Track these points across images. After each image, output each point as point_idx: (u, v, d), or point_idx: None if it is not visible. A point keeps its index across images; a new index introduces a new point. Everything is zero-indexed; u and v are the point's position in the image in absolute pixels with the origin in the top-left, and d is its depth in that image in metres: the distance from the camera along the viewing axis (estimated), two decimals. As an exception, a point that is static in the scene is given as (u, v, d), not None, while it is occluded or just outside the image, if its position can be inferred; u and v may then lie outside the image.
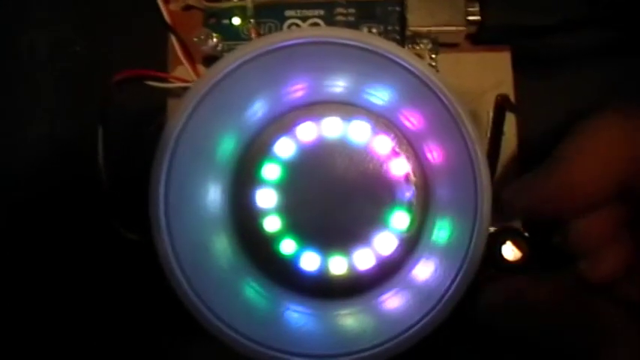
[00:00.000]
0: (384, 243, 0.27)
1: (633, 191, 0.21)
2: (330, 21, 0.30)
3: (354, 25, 0.30)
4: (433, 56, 0.29)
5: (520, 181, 0.23)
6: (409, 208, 0.27)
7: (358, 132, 0.27)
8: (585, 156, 0.21)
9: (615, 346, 0.20)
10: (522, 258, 0.23)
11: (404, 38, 0.29)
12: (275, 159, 0.27)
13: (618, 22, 0.30)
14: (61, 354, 0.31)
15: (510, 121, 0.29)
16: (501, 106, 0.25)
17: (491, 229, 0.24)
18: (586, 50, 0.31)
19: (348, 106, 0.27)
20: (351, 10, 0.30)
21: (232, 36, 0.30)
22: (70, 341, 0.31)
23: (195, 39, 0.28)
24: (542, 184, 0.22)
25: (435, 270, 0.24)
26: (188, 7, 0.31)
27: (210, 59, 0.30)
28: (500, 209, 0.22)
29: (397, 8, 0.30)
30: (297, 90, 0.26)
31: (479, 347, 0.29)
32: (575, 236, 0.22)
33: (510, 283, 0.23)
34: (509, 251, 0.23)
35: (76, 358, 0.31)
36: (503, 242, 0.23)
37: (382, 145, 0.27)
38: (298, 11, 0.30)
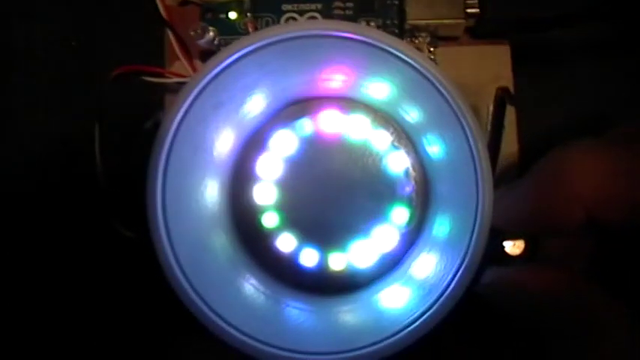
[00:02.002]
0: (384, 238, 0.26)
1: (599, 222, 0.21)
2: (327, 15, 0.30)
3: (352, 19, 0.30)
4: (432, 49, 0.29)
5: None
6: (409, 202, 0.27)
7: (357, 126, 0.27)
8: (551, 194, 0.22)
9: (605, 341, 0.21)
10: (524, 252, 0.23)
11: (403, 31, 0.29)
12: (273, 154, 0.27)
13: (617, 17, 0.30)
14: (59, 352, 0.31)
15: (510, 115, 0.29)
16: (501, 99, 0.25)
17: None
18: (585, 44, 0.31)
19: (346, 101, 0.27)
20: (349, 4, 0.30)
21: (229, 30, 0.30)
22: (68, 339, 0.31)
23: (192, 33, 0.28)
24: (513, 209, 0.23)
25: (436, 265, 0.24)
26: (185, 2, 0.31)
27: (207, 54, 0.30)
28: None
29: (396, 1, 0.30)
30: (295, 84, 0.26)
31: (479, 344, 0.29)
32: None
33: (511, 271, 0.23)
34: (511, 245, 0.23)
35: (73, 356, 0.31)
36: (504, 236, 0.23)
37: (381, 139, 0.27)
38: (295, 5, 0.30)
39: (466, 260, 0.22)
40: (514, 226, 0.23)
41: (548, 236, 0.23)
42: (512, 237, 0.23)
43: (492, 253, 0.22)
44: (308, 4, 0.30)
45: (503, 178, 0.28)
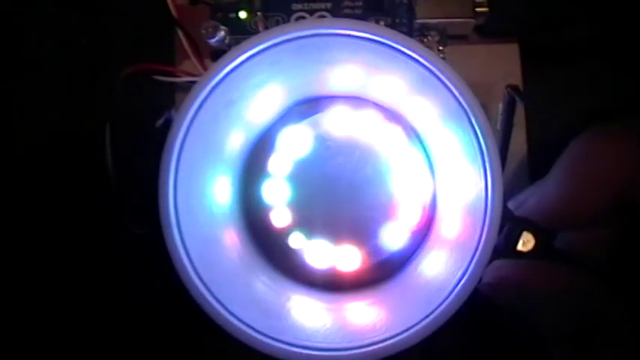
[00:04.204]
0: (394, 236, 0.27)
1: (628, 210, 0.21)
2: (337, 13, 0.30)
3: (361, 18, 0.30)
4: (441, 48, 0.29)
5: (521, 196, 0.24)
6: (418, 200, 0.27)
7: (367, 124, 0.27)
8: (581, 181, 0.22)
9: (609, 341, 0.21)
10: (535, 248, 0.23)
11: (412, 30, 0.29)
12: (284, 152, 0.27)
13: (624, 16, 0.30)
14: (66, 351, 0.31)
15: (519, 113, 0.29)
16: (511, 96, 0.25)
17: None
18: (594, 42, 0.31)
19: (356, 99, 0.27)
20: (359, 3, 0.30)
21: (239, 30, 0.30)
22: (77, 338, 0.31)
23: (203, 31, 0.28)
24: (545, 200, 0.23)
25: (445, 263, 0.24)
26: (195, 1, 0.31)
27: (217, 53, 0.30)
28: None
29: (405, 0, 0.30)
30: (306, 83, 0.26)
31: (482, 341, 0.29)
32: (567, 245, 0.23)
33: (513, 269, 0.23)
34: (522, 241, 0.23)
35: (82, 354, 0.31)
36: (517, 233, 0.23)
37: (391, 137, 0.27)
38: (305, 4, 0.30)
39: (476, 258, 0.22)
40: (546, 217, 0.23)
41: (577, 227, 0.23)
42: (524, 227, 0.23)
43: (503, 250, 0.22)
44: (318, 3, 0.30)
45: (513, 174, 0.28)
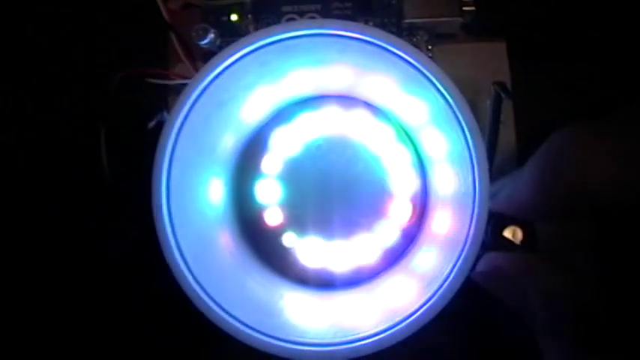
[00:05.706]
0: (386, 233, 0.27)
1: (601, 204, 0.22)
2: (327, 15, 0.30)
3: (351, 18, 0.30)
4: (430, 47, 0.29)
5: (493, 187, 0.24)
6: (409, 198, 0.27)
7: (357, 123, 0.27)
8: (557, 174, 0.22)
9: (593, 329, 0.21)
10: (524, 239, 0.23)
11: (400, 30, 0.30)
12: (275, 152, 0.27)
13: (611, 14, 0.31)
14: (62, 351, 0.31)
15: (507, 110, 0.29)
16: (498, 94, 0.25)
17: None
18: (581, 40, 0.32)
19: (347, 99, 0.27)
20: (348, 4, 0.30)
21: (231, 32, 0.31)
22: (74, 338, 0.31)
23: (194, 33, 0.29)
24: (516, 195, 0.23)
25: (436, 258, 0.24)
26: (187, 5, 0.31)
27: (209, 56, 0.30)
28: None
29: (393, 0, 0.30)
30: (296, 83, 0.26)
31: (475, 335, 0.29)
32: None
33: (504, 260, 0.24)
34: (511, 235, 0.23)
35: (78, 355, 0.31)
36: (504, 226, 0.23)
37: (381, 136, 0.27)
38: (295, 6, 0.31)
39: (464, 253, 0.22)
40: (517, 212, 0.23)
41: (550, 221, 0.23)
42: (509, 224, 0.23)
43: (493, 243, 0.23)
44: (307, 5, 0.31)
45: (502, 171, 0.29)
